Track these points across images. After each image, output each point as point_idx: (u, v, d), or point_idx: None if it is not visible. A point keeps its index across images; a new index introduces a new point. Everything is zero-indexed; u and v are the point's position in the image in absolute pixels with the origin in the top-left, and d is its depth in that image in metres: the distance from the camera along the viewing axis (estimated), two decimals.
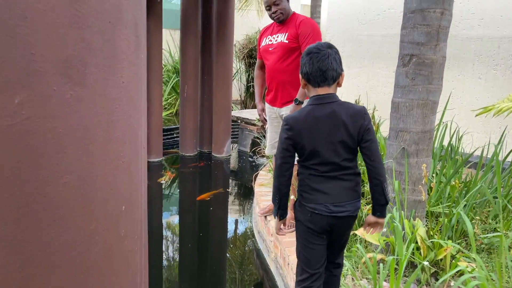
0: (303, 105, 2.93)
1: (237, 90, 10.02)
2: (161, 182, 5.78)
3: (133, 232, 1.44)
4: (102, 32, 1.19)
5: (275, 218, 2.09)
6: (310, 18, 3.19)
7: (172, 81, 9.06)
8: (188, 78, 6.65)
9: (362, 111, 1.90)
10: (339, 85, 1.95)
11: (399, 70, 2.87)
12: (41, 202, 1.08)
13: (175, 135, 7.76)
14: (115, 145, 1.29)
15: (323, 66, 1.84)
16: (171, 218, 4.75)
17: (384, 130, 3.98)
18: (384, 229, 2.81)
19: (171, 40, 9.86)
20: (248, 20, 10.47)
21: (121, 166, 1.33)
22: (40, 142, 1.09)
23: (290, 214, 3.38)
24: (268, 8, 3.18)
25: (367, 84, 6.75)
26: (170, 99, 9.22)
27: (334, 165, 1.87)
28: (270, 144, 3.43)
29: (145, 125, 1.53)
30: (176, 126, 7.76)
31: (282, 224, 2.12)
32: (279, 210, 2.03)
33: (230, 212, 4.94)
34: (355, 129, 1.85)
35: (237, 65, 9.84)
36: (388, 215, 2.65)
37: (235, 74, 9.93)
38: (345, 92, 6.85)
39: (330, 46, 1.88)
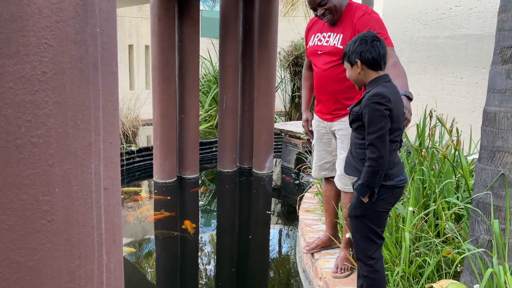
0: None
1: (281, 100, 9.41)
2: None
3: None
4: None
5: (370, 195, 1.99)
6: (371, 11, 2.44)
7: (213, 92, 8.59)
8: (227, 87, 6.11)
9: None
10: None
11: (495, 68, 2.13)
12: None
13: (214, 149, 7.24)
14: (24, 191, 0.68)
15: (385, 52, 1.99)
16: (198, 248, 4.16)
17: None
18: (476, 286, 2.06)
19: (212, 49, 9.44)
20: (294, 26, 9.86)
21: (44, 230, 0.72)
22: None
23: (343, 253, 2.69)
24: (313, 9, 2.48)
25: (429, 93, 5.92)
26: (210, 111, 8.75)
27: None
28: (318, 165, 2.74)
29: (114, 149, 0.92)
30: (215, 140, 7.24)
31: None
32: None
33: (270, 242, 4.28)
34: None
35: (282, 74, 9.23)
36: (488, 271, 1.90)
37: (279, 83, 9.32)
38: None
39: None
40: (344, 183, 2.51)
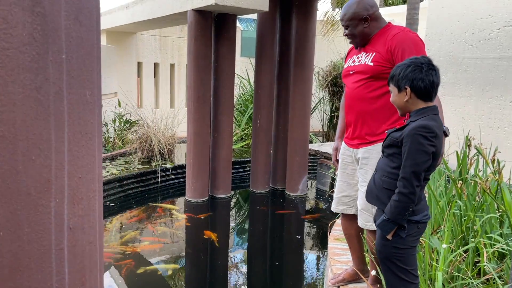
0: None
1: (319, 120, 9.25)
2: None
3: None
4: None
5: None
6: (409, 30, 2.29)
7: (249, 111, 8.57)
8: (261, 107, 6.05)
9: None
10: None
11: None
12: None
13: (248, 168, 7.16)
14: None
15: (439, 82, 1.84)
16: (223, 269, 4.04)
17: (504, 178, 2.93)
18: None
19: (251, 68, 9.47)
20: (334, 46, 9.74)
21: None
22: None
23: None
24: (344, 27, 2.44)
25: (475, 117, 5.58)
26: (247, 130, 8.72)
27: None
28: (337, 198, 2.53)
29: (87, 184, 0.84)
30: (249, 159, 7.17)
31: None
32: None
33: (298, 269, 4.10)
34: None
35: (320, 94, 9.10)
36: None
37: (317, 103, 9.19)
38: (447, 125, 5.74)
39: None
40: (365, 219, 2.32)
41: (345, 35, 2.38)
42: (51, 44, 0.70)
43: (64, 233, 0.77)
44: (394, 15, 11.25)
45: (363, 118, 2.33)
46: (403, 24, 9.67)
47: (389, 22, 2.41)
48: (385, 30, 2.34)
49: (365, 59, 2.35)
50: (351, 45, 2.57)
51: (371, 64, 2.29)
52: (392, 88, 1.88)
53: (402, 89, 1.82)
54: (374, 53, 2.31)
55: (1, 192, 0.65)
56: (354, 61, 2.44)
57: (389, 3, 20.42)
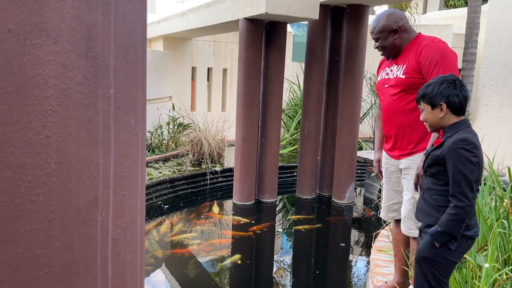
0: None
1: (369, 126, 9.11)
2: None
3: None
4: None
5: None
6: (439, 41, 2.31)
7: (298, 116, 8.61)
8: (310, 113, 6.08)
9: None
10: None
11: None
12: None
13: (295, 173, 7.21)
14: (21, 245, 0.74)
15: (469, 97, 1.97)
16: (263, 273, 4.12)
17: None
18: None
19: (301, 74, 9.51)
20: None
21: (40, 281, 0.77)
22: None
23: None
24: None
25: None
26: (296, 135, 8.77)
27: None
28: (386, 206, 2.60)
29: (129, 200, 0.96)
30: (297, 164, 7.21)
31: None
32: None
33: (339, 278, 4.10)
34: None
35: (372, 99, 8.96)
36: None
37: (368, 109, 9.05)
38: (506, 136, 5.47)
39: None
40: (408, 227, 2.35)
41: (375, 48, 2.43)
42: (101, 82, 0.81)
43: (108, 243, 0.89)
44: (454, 19, 10.80)
45: (402, 131, 2.37)
46: (463, 27, 9.29)
47: (419, 33, 2.46)
48: (415, 41, 2.39)
49: (396, 71, 2.42)
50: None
51: (403, 76, 2.36)
52: (424, 106, 1.93)
53: (437, 106, 1.89)
54: (405, 65, 2.37)
55: (57, 209, 0.76)
56: (387, 74, 2.51)
57: (450, 5, 19.58)
